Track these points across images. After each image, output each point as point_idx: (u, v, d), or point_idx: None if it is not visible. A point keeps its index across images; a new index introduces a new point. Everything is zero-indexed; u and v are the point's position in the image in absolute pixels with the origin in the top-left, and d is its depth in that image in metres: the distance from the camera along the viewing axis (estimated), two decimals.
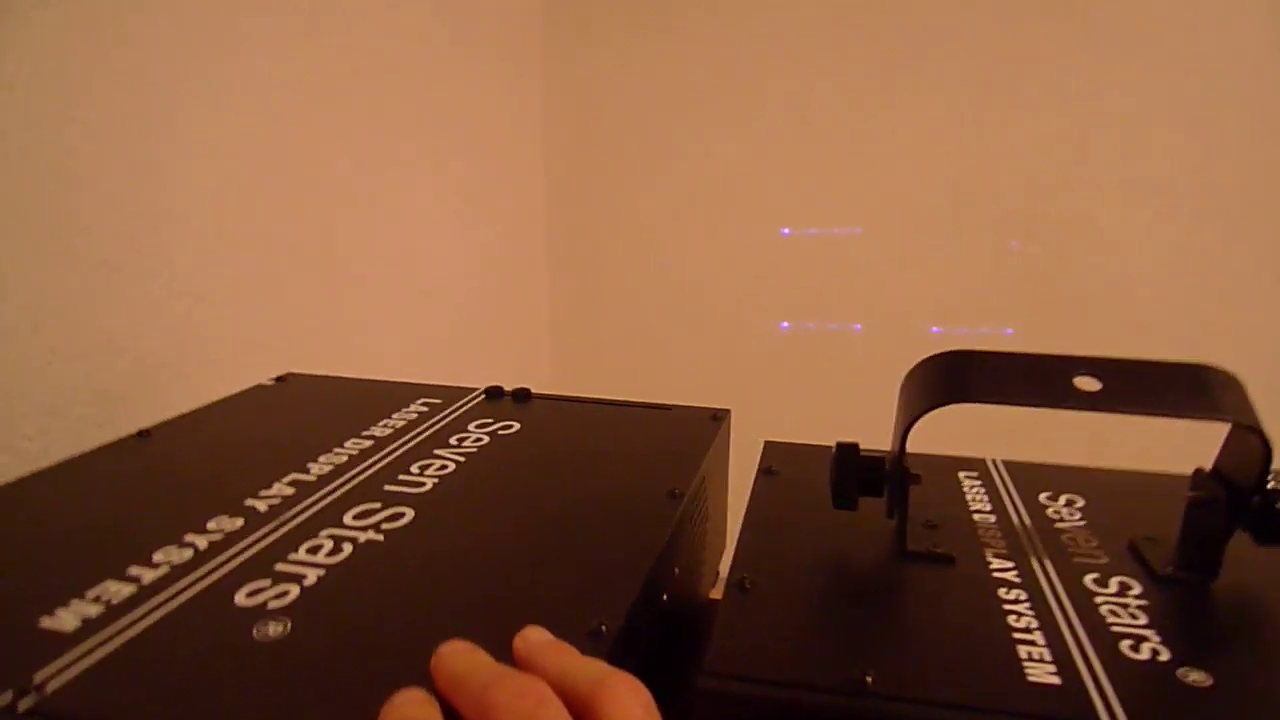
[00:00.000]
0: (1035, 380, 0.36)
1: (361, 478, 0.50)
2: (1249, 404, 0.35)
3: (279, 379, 0.69)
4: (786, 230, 1.50)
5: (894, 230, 1.45)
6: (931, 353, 0.39)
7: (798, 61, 1.43)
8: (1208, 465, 0.40)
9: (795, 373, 1.54)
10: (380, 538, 0.42)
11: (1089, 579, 0.38)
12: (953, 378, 0.36)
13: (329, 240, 0.96)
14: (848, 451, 0.40)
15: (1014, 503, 0.46)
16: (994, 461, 0.51)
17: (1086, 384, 0.36)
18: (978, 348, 0.37)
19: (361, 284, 1.02)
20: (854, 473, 0.40)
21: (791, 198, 1.48)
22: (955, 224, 1.41)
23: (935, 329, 1.44)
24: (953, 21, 1.35)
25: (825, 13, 1.40)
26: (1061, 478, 0.49)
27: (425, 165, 1.17)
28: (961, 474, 0.49)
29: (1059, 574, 0.39)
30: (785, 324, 1.52)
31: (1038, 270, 1.40)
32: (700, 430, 0.57)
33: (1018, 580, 0.38)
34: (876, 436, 0.46)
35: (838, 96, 1.43)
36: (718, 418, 0.60)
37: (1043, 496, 0.47)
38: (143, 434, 0.56)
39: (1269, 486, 0.37)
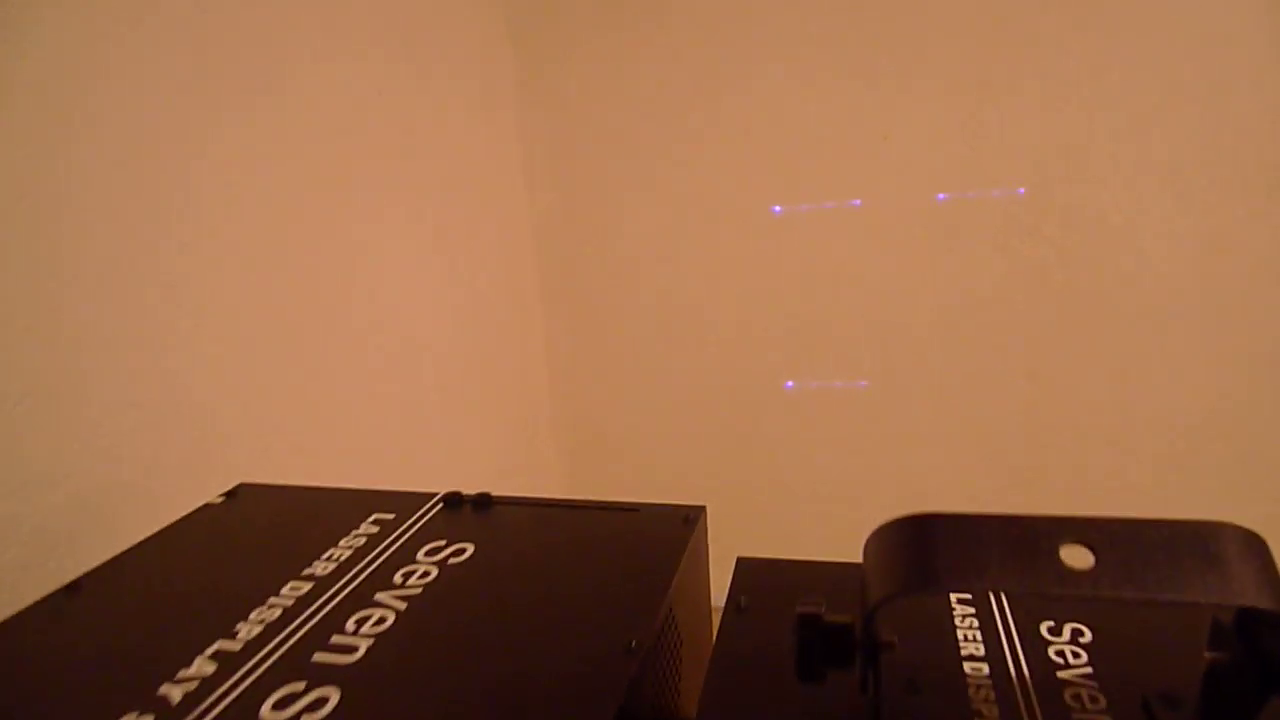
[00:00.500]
0: (1015, 556, 0.30)
1: (292, 641, 0.45)
2: (1272, 575, 0.29)
3: (228, 494, 0.65)
4: (778, 208, 1.43)
5: (890, 241, 1.38)
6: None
7: (785, 60, 1.36)
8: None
9: (801, 416, 1.49)
10: None
11: None
12: (917, 560, 0.31)
13: (302, 314, 0.91)
14: (810, 621, 0.35)
15: (1012, 643, 0.40)
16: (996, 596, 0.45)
17: (1077, 557, 0.30)
18: (948, 510, 0.32)
19: (342, 351, 0.98)
20: (817, 645, 0.35)
21: (787, 196, 1.42)
22: (954, 225, 1.34)
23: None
24: (945, 12, 1.27)
25: (817, 12, 1.33)
26: (1067, 605, 0.43)
27: (402, 218, 1.12)
28: (956, 606, 0.44)
29: None
30: (790, 383, 1.47)
31: (1047, 274, 1.33)
32: (669, 540, 0.52)
33: None
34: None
35: (831, 97, 1.36)
36: (690, 520, 0.55)
37: (1045, 629, 0.41)
38: (71, 588, 0.52)
39: None
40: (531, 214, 1.52)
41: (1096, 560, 0.30)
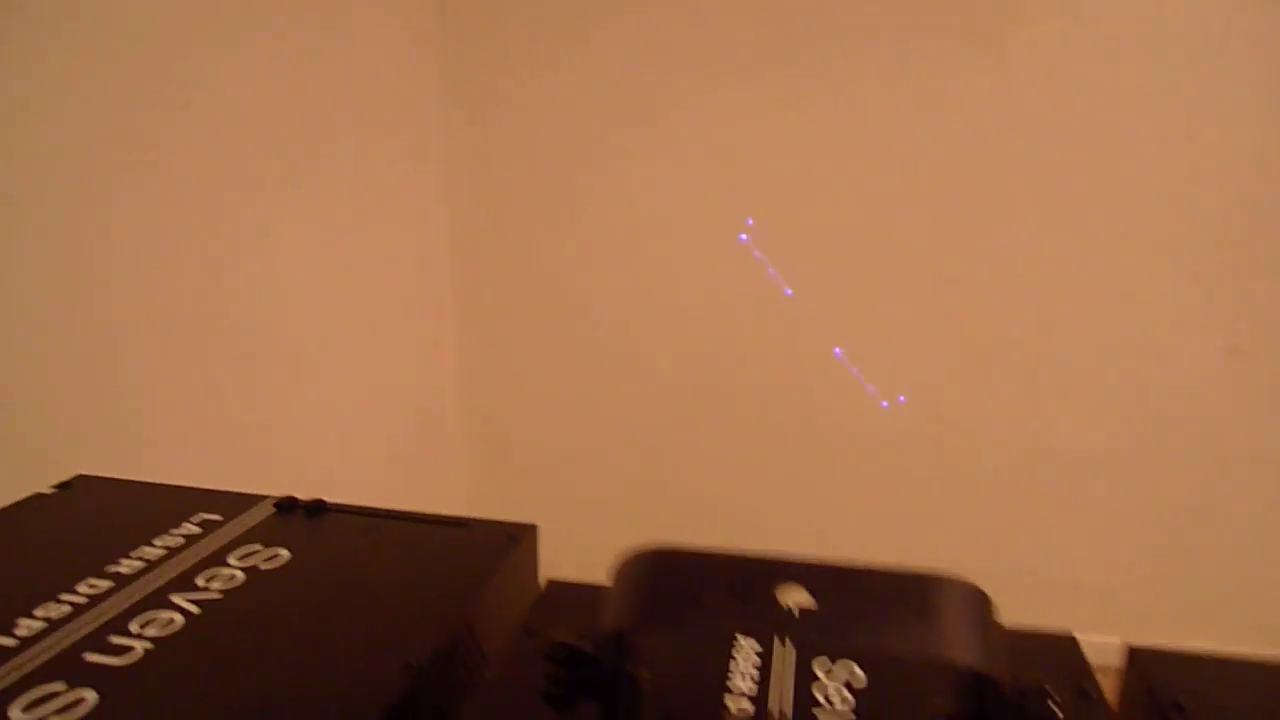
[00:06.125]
0: (735, 596, 0.30)
1: (70, 640, 0.44)
2: (987, 633, 0.29)
3: (62, 485, 0.63)
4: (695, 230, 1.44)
5: (802, 273, 1.40)
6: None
7: (709, 95, 1.37)
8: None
9: (711, 441, 1.50)
10: None
11: None
12: (640, 595, 0.31)
13: (176, 294, 0.90)
14: (554, 649, 0.35)
15: (783, 681, 0.40)
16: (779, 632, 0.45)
17: (794, 598, 0.30)
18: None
19: (219, 340, 0.96)
20: (563, 674, 0.35)
21: (708, 238, 1.43)
22: (863, 260, 1.36)
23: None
24: (862, 54, 1.29)
25: (734, 48, 1.34)
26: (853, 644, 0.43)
27: (300, 201, 1.10)
28: (741, 640, 0.43)
29: None
30: (705, 408, 1.47)
31: (953, 315, 1.35)
32: (486, 558, 0.52)
33: None
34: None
35: (753, 122, 1.37)
36: (514, 538, 0.55)
37: (820, 669, 0.41)
38: None
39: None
40: (450, 220, 1.51)
41: (816, 604, 0.30)
